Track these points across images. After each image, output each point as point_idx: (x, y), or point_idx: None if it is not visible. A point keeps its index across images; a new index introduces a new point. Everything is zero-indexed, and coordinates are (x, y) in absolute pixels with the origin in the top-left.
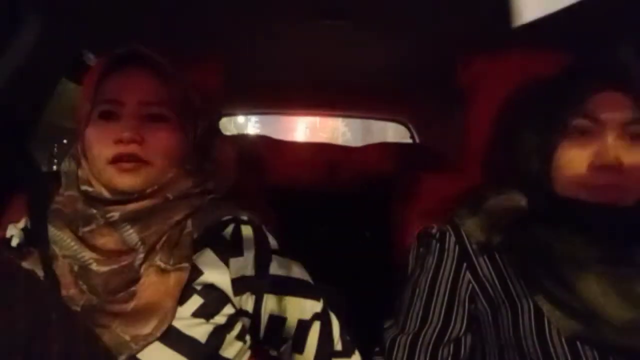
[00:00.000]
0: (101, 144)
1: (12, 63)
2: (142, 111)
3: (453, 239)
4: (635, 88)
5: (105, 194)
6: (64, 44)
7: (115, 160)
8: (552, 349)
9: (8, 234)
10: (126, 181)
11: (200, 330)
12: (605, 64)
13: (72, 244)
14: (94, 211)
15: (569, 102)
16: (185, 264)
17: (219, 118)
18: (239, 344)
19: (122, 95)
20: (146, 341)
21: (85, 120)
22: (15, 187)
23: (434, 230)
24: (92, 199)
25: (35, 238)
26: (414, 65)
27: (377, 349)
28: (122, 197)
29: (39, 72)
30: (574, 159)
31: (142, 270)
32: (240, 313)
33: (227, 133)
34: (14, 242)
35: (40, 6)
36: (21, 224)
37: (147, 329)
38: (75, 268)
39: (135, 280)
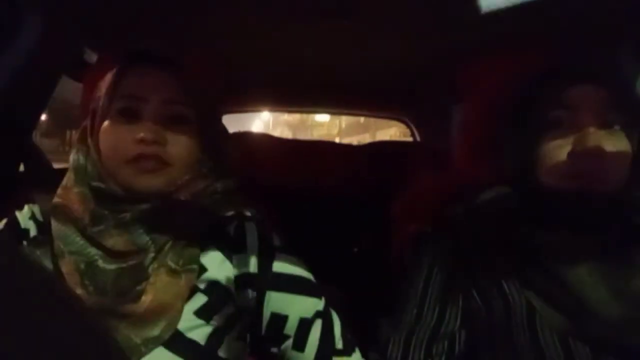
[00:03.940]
0: (121, 143)
1: (12, 61)
2: (165, 111)
3: (448, 237)
4: (609, 81)
5: (119, 192)
6: (65, 42)
7: (136, 160)
8: (544, 346)
9: (22, 223)
10: (146, 182)
11: (199, 332)
12: (580, 58)
13: (78, 239)
14: (105, 212)
15: (546, 95)
16: (195, 265)
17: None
18: (238, 344)
19: (146, 92)
20: (155, 344)
21: (102, 115)
22: (20, 183)
23: (428, 229)
24: (104, 197)
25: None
26: (415, 63)
27: (372, 345)
28: (136, 196)
29: (39, 69)
30: (555, 149)
31: (151, 270)
32: (241, 311)
33: None
34: (32, 233)
35: (41, 4)
36: (27, 212)
37: (155, 331)
38: (82, 266)
39: (144, 280)
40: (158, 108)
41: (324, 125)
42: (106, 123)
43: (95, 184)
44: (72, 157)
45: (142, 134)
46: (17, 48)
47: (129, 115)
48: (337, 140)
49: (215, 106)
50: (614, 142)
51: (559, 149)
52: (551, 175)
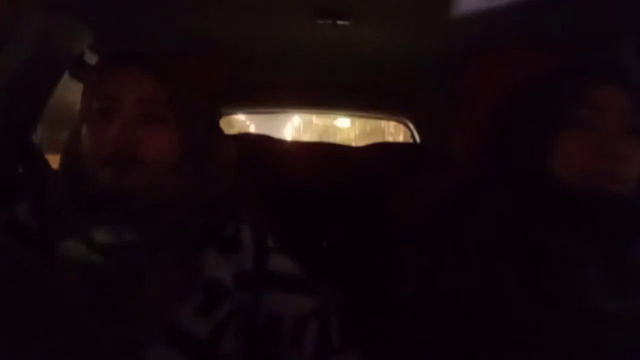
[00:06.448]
0: (97, 143)
1: (12, 60)
2: (140, 110)
3: (449, 239)
4: (634, 85)
5: (103, 193)
6: (65, 42)
7: (111, 159)
8: (546, 346)
9: (21, 222)
10: (121, 182)
11: (200, 328)
12: (606, 60)
13: (72, 241)
14: (94, 213)
15: (571, 93)
16: (187, 262)
17: (219, 117)
18: (237, 341)
19: (120, 92)
20: (149, 341)
21: (83, 117)
22: (19, 183)
23: (429, 230)
24: (90, 199)
25: (38, 235)
26: (415, 64)
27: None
28: (121, 196)
29: (40, 70)
30: (575, 148)
31: (146, 268)
32: (238, 310)
33: None
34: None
35: (41, 4)
36: (25, 211)
37: (149, 327)
38: (78, 265)
39: (137, 279)
40: (132, 108)
41: (344, 130)
42: (85, 124)
43: (80, 187)
44: (60, 161)
45: (115, 133)
46: (17, 48)
47: (105, 116)
48: (353, 143)
49: (199, 106)
50: (633, 147)
51: (579, 149)
52: (566, 174)
